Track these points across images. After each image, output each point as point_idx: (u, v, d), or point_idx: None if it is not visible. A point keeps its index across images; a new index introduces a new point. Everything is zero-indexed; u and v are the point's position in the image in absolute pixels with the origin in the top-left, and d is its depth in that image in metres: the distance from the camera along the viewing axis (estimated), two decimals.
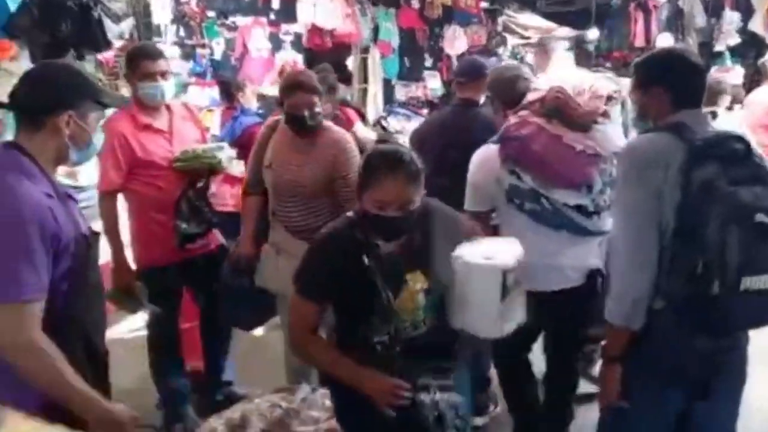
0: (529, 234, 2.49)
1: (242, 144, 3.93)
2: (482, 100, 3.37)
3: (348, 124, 4.29)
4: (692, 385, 2.02)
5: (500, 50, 9.93)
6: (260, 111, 6.22)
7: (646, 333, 1.99)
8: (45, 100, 1.80)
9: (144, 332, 3.40)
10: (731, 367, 2.05)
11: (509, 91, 2.85)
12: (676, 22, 7.45)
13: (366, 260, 1.97)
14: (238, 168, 3.39)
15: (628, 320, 1.99)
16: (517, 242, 2.10)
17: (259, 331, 4.60)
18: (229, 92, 4.83)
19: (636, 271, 1.96)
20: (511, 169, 2.60)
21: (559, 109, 2.59)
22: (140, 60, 3.07)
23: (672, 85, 2.08)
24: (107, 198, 3.09)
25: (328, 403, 2.49)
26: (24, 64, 4.72)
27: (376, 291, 1.98)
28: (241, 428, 2.40)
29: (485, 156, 2.68)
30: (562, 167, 2.55)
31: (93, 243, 1.92)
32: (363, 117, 4.51)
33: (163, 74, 3.09)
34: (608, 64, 8.94)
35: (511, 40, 10.14)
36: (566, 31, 9.89)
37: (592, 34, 8.90)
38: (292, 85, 2.97)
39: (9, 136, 7.17)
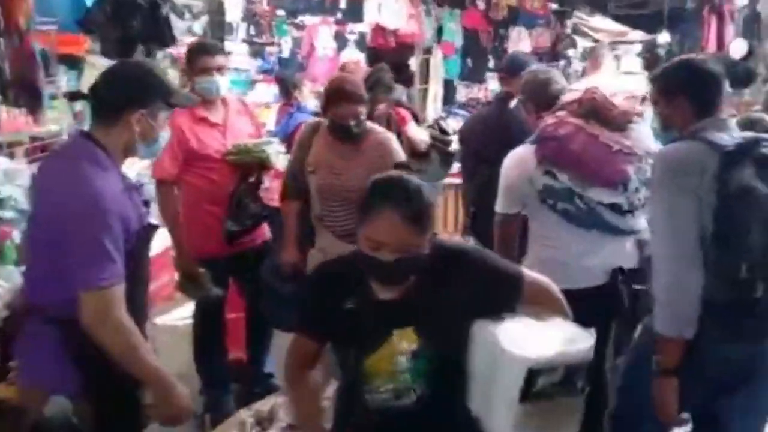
0: (562, 233, 2.59)
1: (293, 140, 4.00)
2: (514, 102, 3.38)
3: (401, 124, 4.31)
4: (726, 391, 2.04)
5: (570, 53, 9.76)
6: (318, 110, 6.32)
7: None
8: (121, 97, 1.91)
9: (191, 321, 3.52)
10: (764, 372, 2.04)
11: (542, 94, 2.89)
12: (753, 26, 7.13)
13: (349, 303, 1.70)
14: (285, 163, 3.45)
15: (681, 329, 1.97)
16: (591, 337, 1.60)
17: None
18: (287, 89, 4.92)
19: (683, 277, 1.95)
20: (547, 169, 2.62)
21: (596, 109, 2.63)
22: (199, 56, 3.17)
23: (693, 95, 2.15)
24: (164, 187, 3.18)
25: None
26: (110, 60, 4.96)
27: (349, 343, 1.72)
28: (268, 421, 2.47)
29: (520, 157, 2.70)
30: (599, 166, 2.58)
31: (150, 235, 2.04)
32: (416, 117, 4.50)
33: (220, 69, 3.17)
34: None
35: (582, 43, 9.95)
36: (638, 35, 9.63)
37: (663, 38, 8.62)
38: (337, 95, 2.95)
39: (87, 126, 7.55)
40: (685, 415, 2.18)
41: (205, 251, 3.19)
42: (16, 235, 3.63)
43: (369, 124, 3.10)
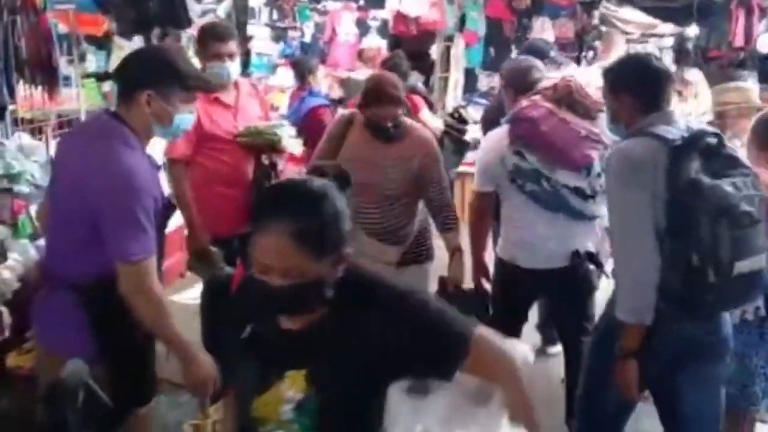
0: (530, 215, 2.82)
1: (305, 125, 4.01)
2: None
3: (414, 111, 4.30)
4: (682, 367, 2.20)
5: (597, 44, 9.60)
6: (330, 95, 6.34)
7: None
8: (132, 77, 2.04)
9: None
10: (710, 348, 2.22)
11: (522, 81, 3.07)
12: None
13: (243, 332, 1.43)
14: (298, 147, 3.47)
15: (642, 316, 2.11)
16: None
17: None
18: (302, 74, 4.94)
19: (642, 269, 2.08)
20: (517, 149, 2.80)
21: (569, 96, 2.83)
22: (210, 41, 3.17)
23: (639, 92, 2.27)
24: (177, 166, 3.19)
25: None
26: (136, 41, 5.02)
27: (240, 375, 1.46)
28: None
29: (495, 137, 2.92)
30: (566, 149, 2.76)
31: (170, 213, 2.20)
32: (431, 105, 4.49)
33: (231, 55, 3.17)
34: (713, 63, 8.51)
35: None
36: (668, 28, 9.45)
37: (692, 31, 8.45)
38: (376, 95, 2.88)
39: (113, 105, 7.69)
40: (646, 393, 2.30)
41: (214, 232, 3.21)
42: (32, 210, 3.70)
43: (408, 121, 3.04)
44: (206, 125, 3.15)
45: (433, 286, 3.00)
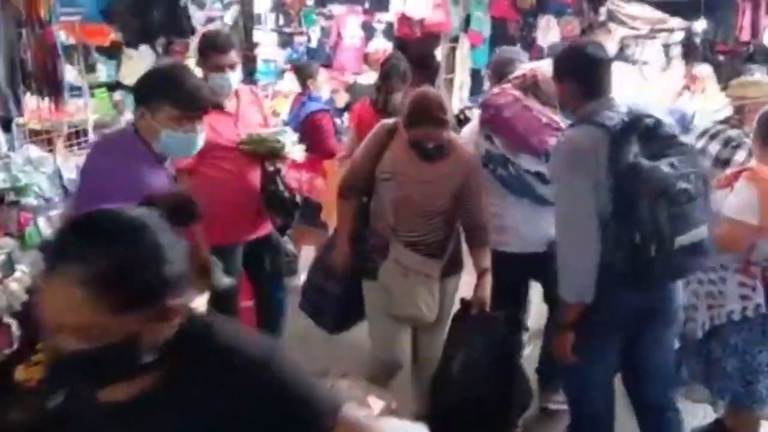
0: (502, 200, 3.07)
1: (304, 130, 4.02)
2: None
3: None
4: (638, 334, 2.49)
5: (605, 41, 9.56)
6: (334, 99, 6.35)
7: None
8: (134, 92, 2.17)
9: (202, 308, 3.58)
10: (662, 314, 2.49)
11: (503, 71, 3.32)
12: None
13: (48, 403, 1.19)
14: (300, 153, 3.47)
15: (581, 296, 2.31)
16: None
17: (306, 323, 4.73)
18: (304, 79, 4.94)
19: (582, 252, 2.26)
20: (487, 134, 3.08)
21: (534, 85, 3.04)
22: (211, 52, 3.17)
23: (580, 79, 2.42)
24: (181, 176, 3.09)
25: (356, 391, 2.54)
26: (144, 51, 5.07)
27: None
28: None
29: (472, 124, 3.28)
30: (527, 134, 2.96)
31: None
32: None
33: (232, 66, 3.17)
34: (721, 57, 8.44)
35: (619, 31, 9.73)
36: (677, 23, 9.38)
37: (700, 25, 8.39)
38: (421, 117, 2.76)
39: (129, 115, 7.81)
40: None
41: (217, 241, 3.22)
42: (41, 223, 3.74)
43: (453, 136, 2.92)
44: (208, 134, 3.14)
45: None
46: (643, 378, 2.60)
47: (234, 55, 3.23)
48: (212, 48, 3.20)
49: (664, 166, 2.19)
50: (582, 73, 2.43)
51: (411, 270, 2.79)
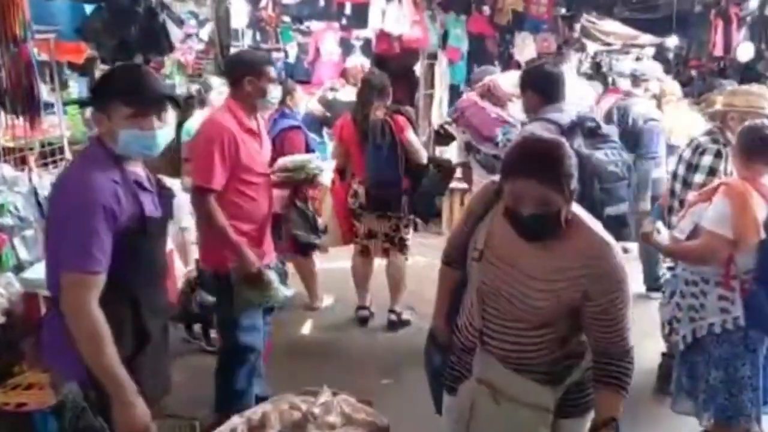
0: (481, 179, 3.52)
1: (274, 147, 3.99)
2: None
3: (398, 132, 4.31)
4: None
5: (580, 56, 9.70)
6: (314, 113, 6.35)
7: None
8: (91, 101, 2.14)
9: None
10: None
11: (476, 82, 4.62)
12: (760, 30, 7.06)
13: None
14: (328, 178, 3.65)
15: None
16: None
17: (305, 330, 4.72)
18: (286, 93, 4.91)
19: None
20: (462, 129, 4.23)
21: (488, 91, 4.31)
22: (265, 66, 3.03)
23: (538, 90, 3.19)
24: (210, 195, 2.91)
25: (346, 409, 2.51)
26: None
27: None
28: (260, 428, 2.45)
29: None
30: (480, 127, 4.13)
31: (155, 226, 2.09)
32: (413, 125, 4.51)
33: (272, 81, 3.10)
34: (693, 72, 8.62)
35: (591, 47, 9.89)
36: (649, 38, 9.57)
37: (672, 41, 8.57)
38: (519, 161, 1.84)
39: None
40: None
41: (222, 266, 3.04)
42: (17, 243, 3.66)
43: (579, 213, 1.94)
44: (244, 157, 2.96)
45: None
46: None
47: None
48: (266, 61, 3.12)
49: (599, 154, 2.93)
50: (540, 86, 3.19)
51: (503, 393, 1.97)
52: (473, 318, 2.05)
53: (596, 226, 1.94)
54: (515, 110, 3.93)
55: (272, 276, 3.04)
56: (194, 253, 4.04)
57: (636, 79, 5.35)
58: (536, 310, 1.91)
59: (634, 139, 4.77)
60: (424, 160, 4.44)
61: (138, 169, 2.10)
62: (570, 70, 6.98)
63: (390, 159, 4.31)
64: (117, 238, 1.94)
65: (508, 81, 4.23)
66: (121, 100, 1.99)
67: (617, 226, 2.74)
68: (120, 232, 1.94)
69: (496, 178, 1.95)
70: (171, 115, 2.15)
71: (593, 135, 3.01)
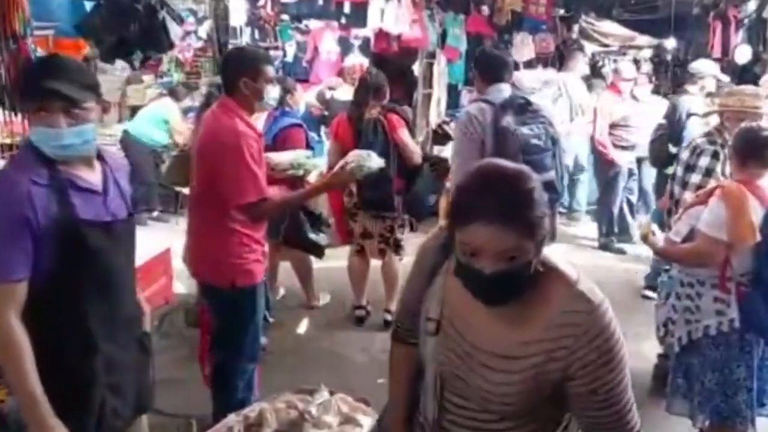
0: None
1: (275, 146, 3.99)
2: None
3: (391, 130, 4.32)
4: None
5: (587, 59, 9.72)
6: (313, 111, 6.34)
7: None
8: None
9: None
10: None
11: None
12: (758, 32, 7.08)
13: None
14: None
15: None
16: None
17: (301, 329, 4.72)
18: (286, 92, 4.90)
19: None
20: None
21: (514, 85, 4.18)
22: (263, 65, 2.87)
23: (482, 72, 3.63)
24: (265, 203, 2.78)
25: (344, 408, 2.53)
26: (118, 64, 4.99)
27: None
28: (257, 427, 2.46)
29: None
30: None
31: (100, 231, 1.90)
32: (409, 125, 4.52)
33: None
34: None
35: (590, 47, 9.92)
36: (646, 40, 9.60)
37: (670, 43, 8.59)
38: (464, 208, 1.38)
39: (98, 128, 7.65)
40: None
41: (254, 277, 2.92)
42: None
43: (554, 263, 1.49)
44: (259, 160, 2.82)
45: None
46: None
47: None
48: (266, 61, 2.95)
49: (524, 129, 3.34)
50: (481, 68, 3.65)
51: None
52: (426, 410, 1.60)
53: (574, 275, 1.47)
54: (536, 101, 4.28)
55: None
56: None
57: (692, 77, 5.38)
58: (504, 397, 1.45)
59: (679, 132, 4.92)
60: (418, 160, 4.41)
61: (82, 171, 1.91)
62: (574, 73, 7.04)
63: (382, 158, 4.31)
64: (48, 243, 1.80)
65: (530, 77, 5.42)
66: (24, 97, 1.91)
67: (547, 192, 2.99)
68: (49, 236, 1.80)
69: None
70: (91, 113, 1.90)
71: (523, 112, 3.41)
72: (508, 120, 3.31)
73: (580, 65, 7.23)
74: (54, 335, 1.84)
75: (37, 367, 1.79)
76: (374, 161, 3.03)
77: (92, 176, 1.95)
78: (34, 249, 1.80)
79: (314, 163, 3.49)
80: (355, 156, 3.01)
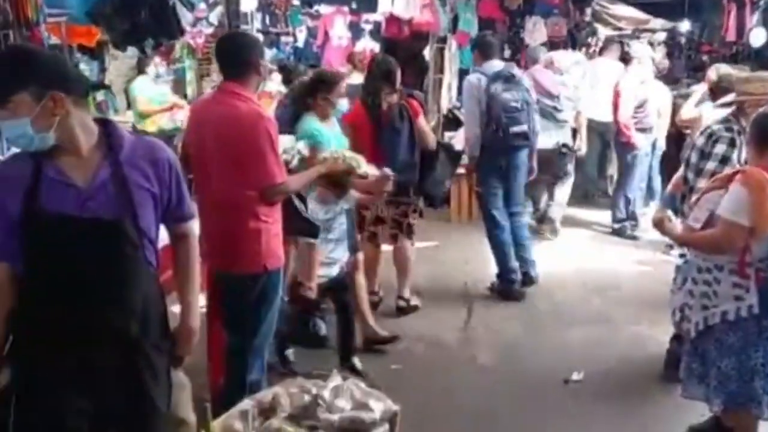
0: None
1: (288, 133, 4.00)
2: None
3: (414, 116, 4.32)
4: (502, 174, 4.94)
5: (591, 40, 9.62)
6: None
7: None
8: None
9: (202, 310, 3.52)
10: (513, 164, 4.93)
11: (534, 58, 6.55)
12: None
13: None
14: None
15: (474, 153, 4.89)
16: None
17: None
18: (289, 79, 4.91)
19: (475, 134, 4.82)
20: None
21: (552, 64, 6.20)
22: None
23: (479, 51, 4.92)
24: (282, 184, 2.86)
25: (357, 393, 2.53)
26: (131, 51, 5.00)
27: None
28: (271, 411, 2.47)
29: None
30: (547, 85, 5.90)
31: (69, 226, 1.85)
32: (424, 110, 4.52)
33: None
34: (705, 57, 8.55)
35: (603, 31, 9.82)
36: (660, 23, 9.50)
37: (684, 26, 8.49)
38: None
39: (111, 115, 7.54)
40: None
41: (278, 258, 2.98)
42: None
43: None
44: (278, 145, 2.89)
45: None
46: (508, 194, 5.00)
47: None
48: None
49: (506, 94, 4.66)
50: (480, 49, 4.92)
51: None
52: None
53: None
54: (568, 78, 6.15)
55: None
56: None
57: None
58: None
59: None
60: (434, 145, 4.44)
61: (63, 162, 1.87)
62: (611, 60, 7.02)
63: (409, 143, 4.32)
64: (17, 231, 1.82)
65: (564, 57, 6.45)
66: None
67: (521, 138, 4.77)
68: (18, 223, 1.81)
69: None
70: (21, 106, 1.80)
71: (508, 81, 4.70)
72: (496, 87, 4.64)
73: (615, 53, 7.17)
74: (22, 324, 1.86)
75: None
76: (363, 168, 3.35)
77: (76, 168, 1.88)
78: (9, 235, 1.82)
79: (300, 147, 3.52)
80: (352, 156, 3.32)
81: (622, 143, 6.14)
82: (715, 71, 5.19)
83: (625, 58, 6.59)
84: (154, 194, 1.98)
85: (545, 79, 5.84)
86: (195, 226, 2.32)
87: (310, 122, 3.82)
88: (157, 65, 7.00)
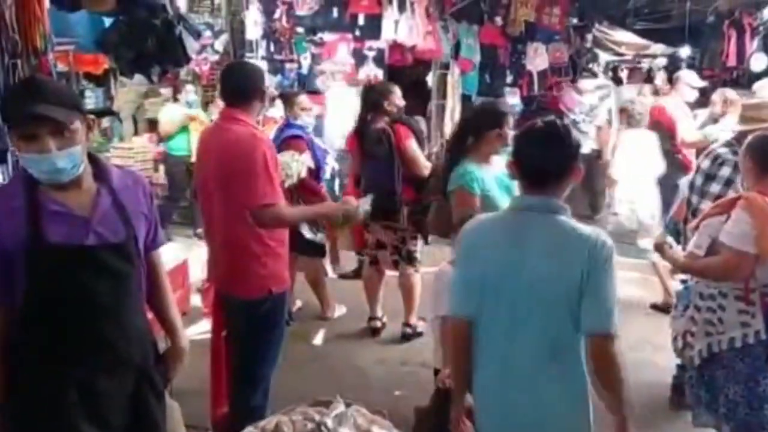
0: None
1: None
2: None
3: (398, 141, 4.38)
4: None
5: (593, 66, 9.71)
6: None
7: None
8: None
9: (207, 335, 3.52)
10: None
11: None
12: None
13: None
14: None
15: None
16: None
17: (318, 341, 4.73)
18: (285, 105, 5.00)
19: None
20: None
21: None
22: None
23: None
24: (276, 206, 2.82)
25: (360, 421, 2.52)
26: (138, 78, 5.06)
27: None
28: None
29: None
30: (568, 103, 7.66)
31: (75, 256, 1.86)
32: (419, 138, 4.57)
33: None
34: (706, 82, 8.60)
35: (603, 57, 9.91)
36: (661, 48, 9.57)
37: (685, 51, 8.56)
38: None
39: (115, 142, 7.61)
40: None
41: (284, 281, 3.01)
42: None
43: None
44: (276, 168, 2.90)
45: None
46: None
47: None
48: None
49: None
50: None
51: None
52: None
53: None
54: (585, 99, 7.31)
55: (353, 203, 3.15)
56: None
57: None
58: None
59: None
60: (425, 172, 4.39)
61: (64, 193, 1.86)
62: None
63: (387, 169, 4.38)
64: (19, 266, 1.80)
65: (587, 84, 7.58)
66: (9, 124, 1.86)
67: None
68: (18, 259, 1.80)
69: None
70: (78, 134, 1.83)
71: None
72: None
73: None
74: (25, 351, 1.86)
75: (8, 383, 1.85)
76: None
77: (76, 198, 1.88)
78: (6, 273, 1.81)
79: (301, 161, 3.78)
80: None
81: (681, 165, 5.60)
82: (720, 95, 5.20)
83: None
84: (147, 218, 2.05)
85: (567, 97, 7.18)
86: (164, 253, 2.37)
87: None
88: (188, 92, 7.15)
